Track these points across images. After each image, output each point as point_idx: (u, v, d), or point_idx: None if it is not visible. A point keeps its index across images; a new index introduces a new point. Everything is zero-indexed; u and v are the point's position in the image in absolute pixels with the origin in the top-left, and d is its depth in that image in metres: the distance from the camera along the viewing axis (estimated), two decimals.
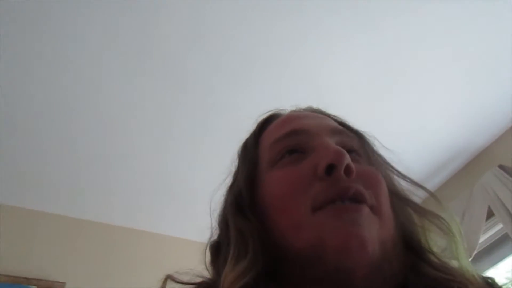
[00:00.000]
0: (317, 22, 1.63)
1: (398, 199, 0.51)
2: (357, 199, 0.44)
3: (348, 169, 0.44)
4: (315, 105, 0.63)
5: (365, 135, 0.58)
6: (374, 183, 0.47)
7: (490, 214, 2.05)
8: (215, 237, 0.53)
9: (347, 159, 0.45)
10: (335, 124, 0.55)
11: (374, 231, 0.42)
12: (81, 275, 2.17)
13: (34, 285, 2.03)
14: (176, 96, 1.82)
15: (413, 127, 2.11)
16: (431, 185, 2.37)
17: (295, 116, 0.57)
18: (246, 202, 0.51)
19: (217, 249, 0.52)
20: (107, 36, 1.58)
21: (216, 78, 1.78)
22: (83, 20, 1.53)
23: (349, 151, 0.50)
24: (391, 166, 0.56)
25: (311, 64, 1.78)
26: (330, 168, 0.44)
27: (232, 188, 0.55)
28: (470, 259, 1.98)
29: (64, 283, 2.09)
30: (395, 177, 0.55)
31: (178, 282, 0.48)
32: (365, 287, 0.41)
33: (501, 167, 2.06)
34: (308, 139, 0.50)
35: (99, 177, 2.16)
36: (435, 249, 0.48)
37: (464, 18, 1.66)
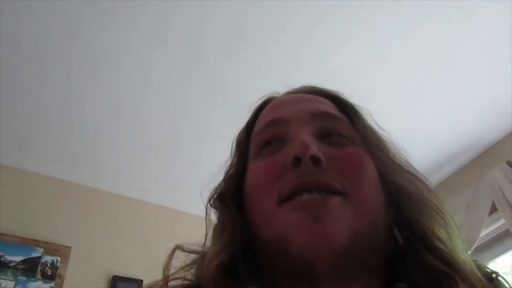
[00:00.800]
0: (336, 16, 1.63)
1: (393, 182, 0.49)
2: (324, 189, 0.43)
3: (314, 159, 0.44)
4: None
5: (358, 110, 0.56)
6: (351, 168, 0.47)
7: (493, 209, 2.06)
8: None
9: (311, 150, 0.44)
10: (319, 107, 0.54)
11: (344, 221, 0.42)
12: (87, 242, 2.23)
13: (42, 247, 2.09)
14: (189, 77, 1.84)
15: (424, 118, 2.10)
16: (438, 176, 2.38)
17: (279, 103, 0.57)
18: (229, 194, 0.53)
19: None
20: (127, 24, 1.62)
21: (230, 62, 1.79)
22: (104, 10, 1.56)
23: (331, 134, 0.50)
24: (384, 146, 0.54)
25: (325, 49, 1.77)
26: (297, 160, 0.45)
27: (223, 179, 0.56)
28: (469, 252, 1.99)
29: (70, 247, 2.15)
30: (390, 159, 0.52)
31: (186, 252, 0.51)
32: (330, 276, 0.42)
33: (509, 163, 2.05)
34: (286, 128, 0.50)
35: (113, 149, 2.20)
36: (440, 234, 0.46)
37: (484, 14, 1.64)
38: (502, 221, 2.08)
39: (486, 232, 2.15)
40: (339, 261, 0.41)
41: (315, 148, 0.45)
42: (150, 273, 0.52)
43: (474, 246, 2.04)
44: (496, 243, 2.18)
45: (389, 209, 0.48)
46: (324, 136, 0.49)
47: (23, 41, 1.67)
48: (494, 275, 0.46)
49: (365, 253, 0.43)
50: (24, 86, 1.85)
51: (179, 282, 0.49)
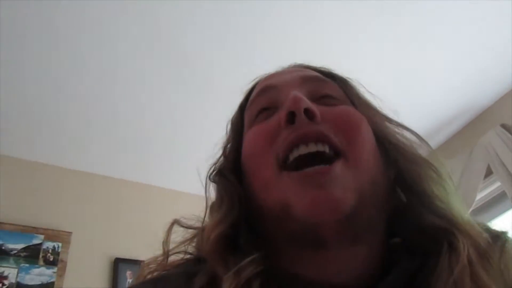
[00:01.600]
0: None
1: (389, 143, 0.49)
2: (321, 141, 0.43)
3: (309, 113, 0.44)
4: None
5: (349, 80, 0.57)
6: (346, 123, 0.46)
7: (488, 172, 2.08)
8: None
9: (305, 103, 0.44)
10: (309, 73, 0.54)
11: (348, 185, 0.42)
12: (87, 226, 2.24)
13: (42, 234, 2.09)
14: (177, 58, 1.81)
15: (416, 84, 2.09)
16: (433, 143, 2.38)
17: (269, 76, 0.57)
18: (227, 167, 0.53)
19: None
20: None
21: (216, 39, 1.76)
22: None
23: (323, 96, 0.49)
24: (378, 111, 0.55)
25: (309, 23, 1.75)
26: (291, 116, 0.44)
27: (220, 156, 0.56)
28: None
29: (70, 232, 2.15)
30: (385, 122, 0.53)
31: (183, 226, 0.51)
32: (336, 240, 0.41)
33: (504, 126, 2.06)
34: (277, 94, 0.50)
35: (106, 133, 2.18)
36: (438, 191, 0.46)
37: None
38: (498, 184, 2.10)
39: (482, 195, 2.18)
40: (345, 225, 0.41)
41: (309, 102, 0.45)
42: (151, 254, 0.52)
43: (470, 209, 2.07)
44: (491, 206, 2.21)
45: (387, 169, 0.48)
46: (316, 99, 0.49)
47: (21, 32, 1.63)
48: (502, 234, 0.46)
49: (370, 214, 0.43)
50: (21, 77, 1.82)
51: (180, 256, 0.49)
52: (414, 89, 2.11)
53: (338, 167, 0.42)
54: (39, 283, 1.98)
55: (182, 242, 0.49)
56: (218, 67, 1.89)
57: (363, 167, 0.44)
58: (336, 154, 0.44)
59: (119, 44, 1.76)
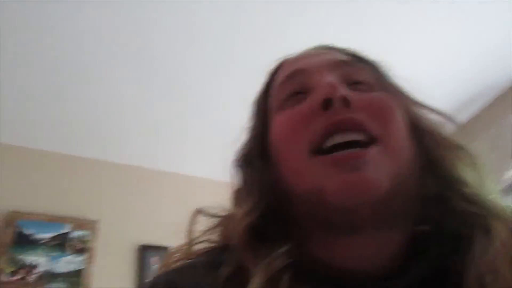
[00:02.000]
0: None
1: (421, 128, 0.48)
2: (357, 129, 0.42)
3: (345, 100, 0.43)
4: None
5: (379, 64, 0.55)
6: (381, 111, 0.45)
7: None
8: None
9: (341, 90, 0.43)
10: (339, 56, 0.52)
11: (383, 168, 0.41)
12: (113, 214, 2.28)
13: (69, 223, 2.15)
14: (198, 35, 1.80)
15: (442, 61, 2.03)
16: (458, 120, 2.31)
17: (298, 57, 0.55)
18: (254, 153, 0.51)
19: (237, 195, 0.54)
20: None
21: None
22: None
23: (355, 82, 0.48)
24: (409, 95, 0.53)
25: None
26: (327, 103, 0.43)
27: (246, 141, 0.55)
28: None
29: (97, 221, 2.21)
30: (417, 107, 0.52)
31: (207, 215, 0.50)
32: (371, 224, 0.41)
33: None
34: (308, 78, 0.49)
35: (130, 121, 2.20)
36: (470, 178, 0.45)
37: None
38: None
39: (510, 174, 2.11)
40: (379, 210, 0.40)
41: (345, 89, 0.44)
42: (175, 240, 0.52)
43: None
44: None
45: (419, 156, 0.46)
46: (348, 84, 0.47)
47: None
48: None
49: (404, 200, 0.42)
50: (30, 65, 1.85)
51: (204, 245, 0.48)
52: (438, 66, 2.05)
53: (374, 151, 0.41)
54: (69, 271, 2.04)
55: (206, 231, 0.49)
56: (237, 47, 1.86)
57: (399, 154, 0.43)
58: (372, 140, 0.43)
59: (124, 36, 1.76)
